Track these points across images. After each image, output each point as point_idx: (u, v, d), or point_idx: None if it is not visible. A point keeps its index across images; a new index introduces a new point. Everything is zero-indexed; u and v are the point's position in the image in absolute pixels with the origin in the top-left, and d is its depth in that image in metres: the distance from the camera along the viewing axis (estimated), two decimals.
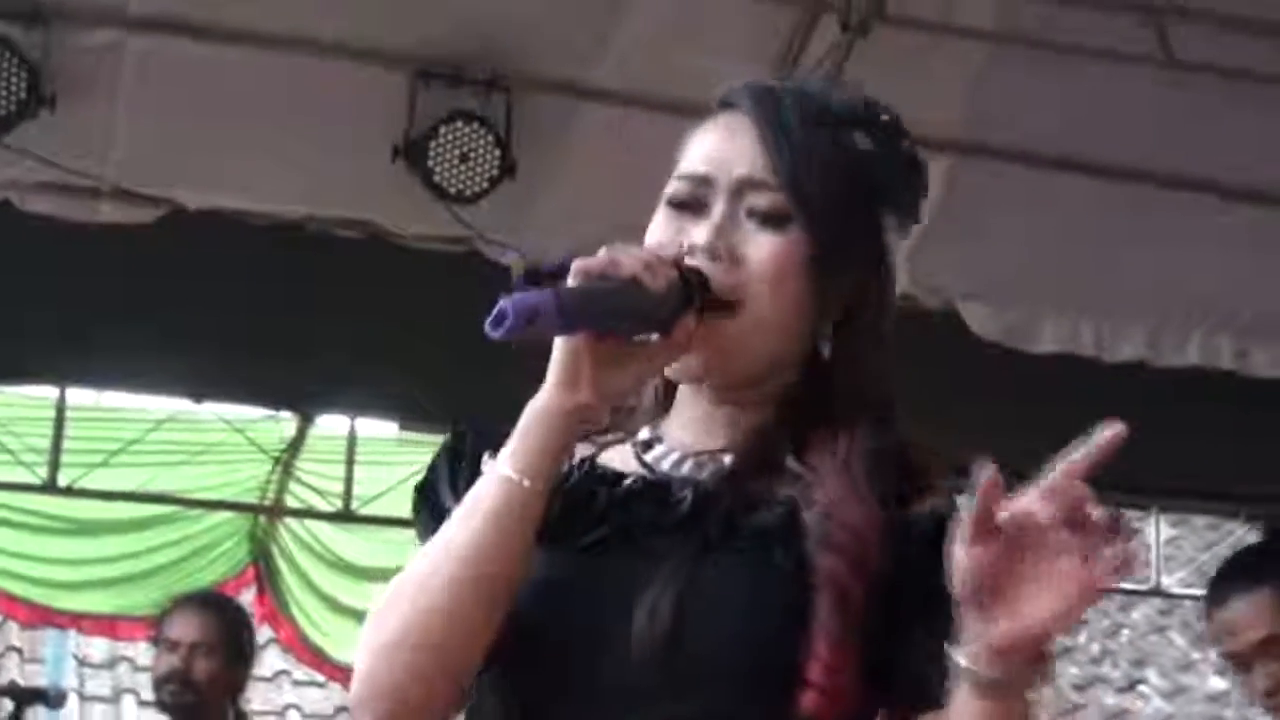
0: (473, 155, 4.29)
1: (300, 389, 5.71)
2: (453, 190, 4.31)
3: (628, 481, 1.55)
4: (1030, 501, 1.33)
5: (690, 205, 1.58)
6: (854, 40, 4.06)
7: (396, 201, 4.42)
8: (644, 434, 1.62)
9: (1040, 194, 4.55)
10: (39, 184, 4.30)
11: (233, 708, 4.64)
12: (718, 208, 1.56)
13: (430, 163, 4.29)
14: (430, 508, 1.61)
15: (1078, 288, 4.74)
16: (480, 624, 1.48)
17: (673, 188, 1.60)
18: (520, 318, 1.39)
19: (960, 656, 1.34)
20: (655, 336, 1.50)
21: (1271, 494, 6.36)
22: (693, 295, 1.50)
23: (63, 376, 5.82)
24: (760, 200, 1.56)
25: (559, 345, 1.48)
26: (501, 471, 1.48)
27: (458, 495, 1.56)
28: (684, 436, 1.60)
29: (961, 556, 1.32)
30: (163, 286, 4.74)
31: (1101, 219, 4.59)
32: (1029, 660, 1.35)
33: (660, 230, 1.59)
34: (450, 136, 4.28)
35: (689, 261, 1.53)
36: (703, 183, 1.58)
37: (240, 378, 5.46)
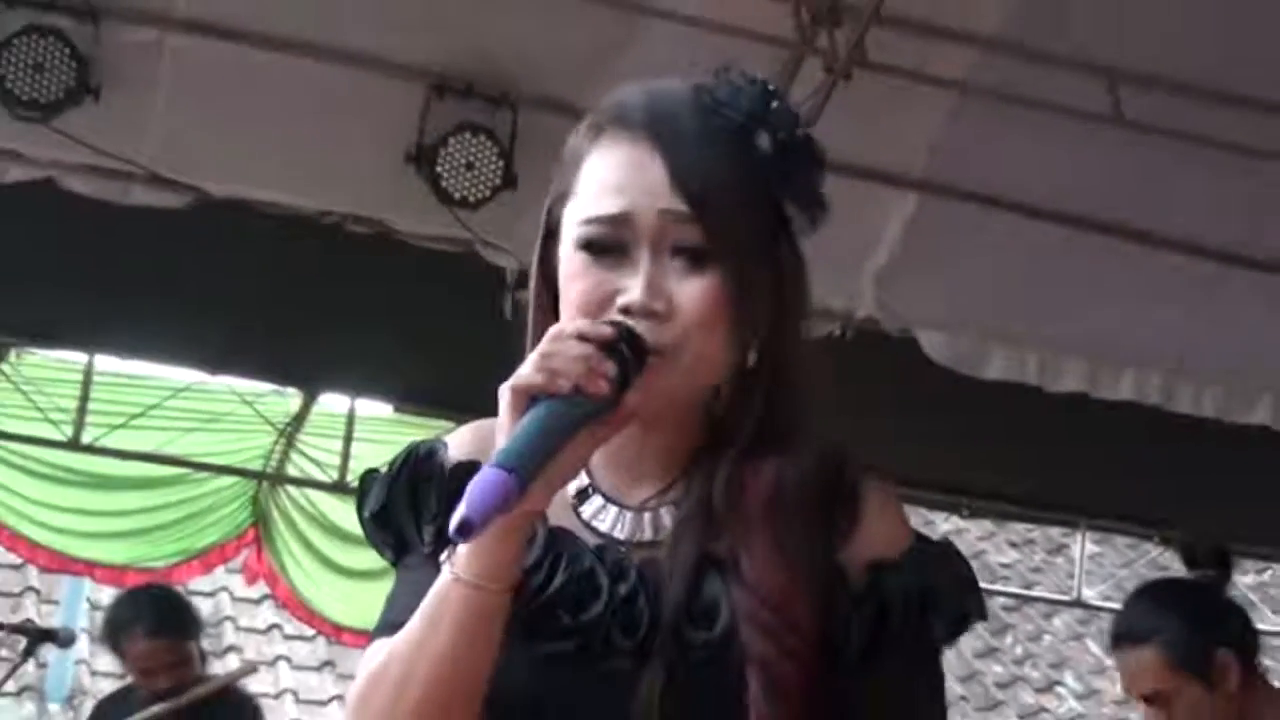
0: (478, 164, 4.27)
1: (306, 368, 5.69)
2: (457, 195, 4.29)
3: (590, 576, 1.40)
4: None
5: (609, 249, 1.40)
6: (836, 83, 4.05)
7: (405, 202, 4.39)
8: (574, 483, 1.44)
9: (997, 235, 4.53)
10: (79, 165, 4.26)
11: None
12: (644, 255, 1.40)
13: (438, 169, 4.27)
14: (395, 539, 1.50)
15: (1025, 322, 4.73)
16: (460, 715, 1.37)
17: (588, 231, 1.41)
18: (488, 517, 1.25)
19: None
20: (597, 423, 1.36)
21: (1184, 520, 6.37)
22: (630, 371, 1.35)
23: (91, 343, 5.79)
24: (684, 236, 1.39)
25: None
26: (461, 578, 1.34)
27: (422, 536, 1.47)
28: (616, 480, 1.46)
29: None
30: (186, 267, 4.72)
31: (1051, 261, 4.58)
32: None
33: (583, 280, 1.41)
34: (458, 146, 4.26)
35: (623, 321, 1.37)
36: (621, 223, 1.40)
37: (252, 354, 5.44)
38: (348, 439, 6.41)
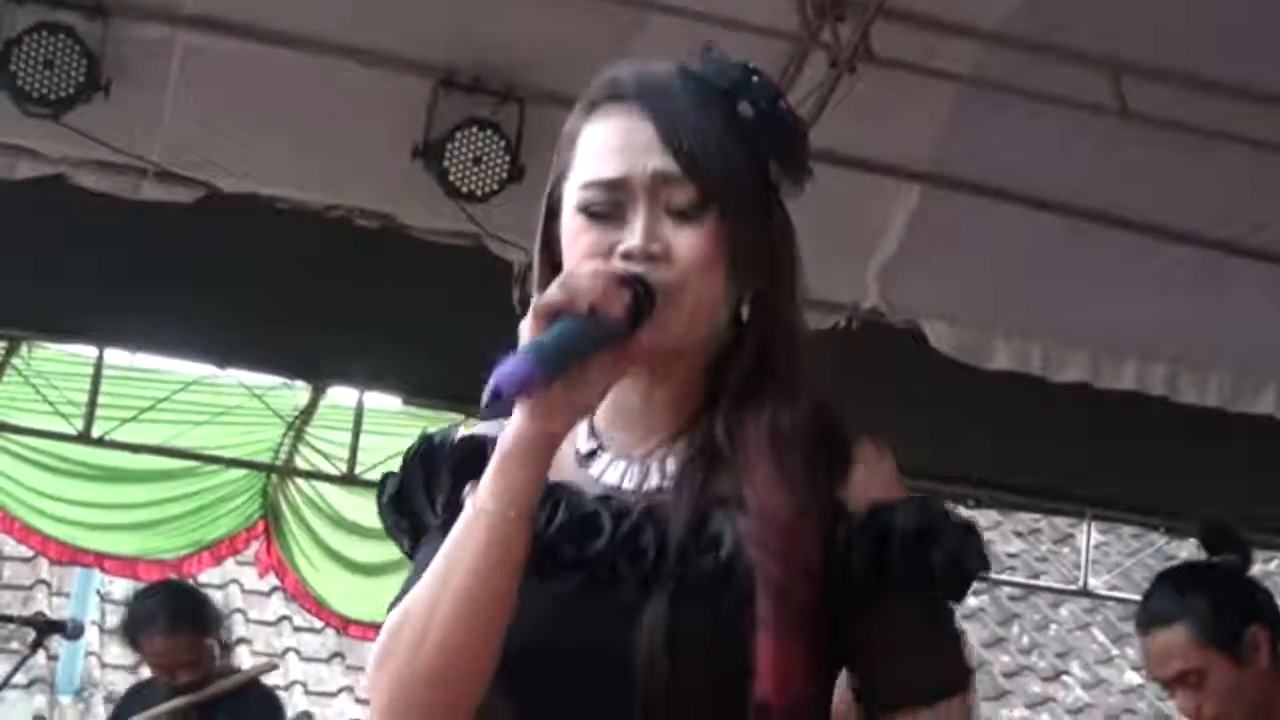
0: (485, 159, 4.29)
1: (315, 361, 5.72)
2: (465, 190, 4.30)
3: (594, 517, 1.46)
4: None
5: (608, 212, 1.50)
6: (840, 77, 4.06)
7: (413, 197, 4.41)
8: (583, 441, 1.53)
9: (1001, 226, 4.55)
10: (90, 161, 4.29)
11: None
12: (639, 210, 1.49)
13: (446, 163, 4.28)
14: (410, 523, 1.56)
15: (1029, 312, 4.74)
16: (481, 656, 1.41)
17: (587, 196, 1.51)
18: (514, 394, 1.34)
19: None
20: (612, 352, 1.44)
21: (1189, 511, 6.38)
22: (643, 307, 1.45)
23: (101, 337, 5.82)
24: (676, 196, 1.49)
25: None
26: (485, 507, 1.40)
27: (435, 510, 1.53)
28: (623, 435, 1.53)
29: None
30: (196, 261, 4.74)
31: (1055, 252, 4.59)
32: None
33: (583, 238, 1.50)
34: (465, 140, 4.27)
35: (627, 268, 1.46)
36: (617, 187, 1.50)
37: (261, 348, 5.46)
38: (356, 432, 6.43)
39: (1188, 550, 11.28)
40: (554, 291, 1.41)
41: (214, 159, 4.36)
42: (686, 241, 1.48)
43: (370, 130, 4.34)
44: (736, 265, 1.50)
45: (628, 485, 1.50)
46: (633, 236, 1.48)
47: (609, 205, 1.50)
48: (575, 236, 1.51)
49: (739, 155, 1.51)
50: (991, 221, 4.53)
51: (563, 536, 1.46)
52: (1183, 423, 5.05)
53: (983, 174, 4.48)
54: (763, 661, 1.39)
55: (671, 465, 1.50)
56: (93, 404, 6.13)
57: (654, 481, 1.50)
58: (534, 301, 1.41)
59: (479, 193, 4.30)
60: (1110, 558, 9.23)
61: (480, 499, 1.41)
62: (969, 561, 1.48)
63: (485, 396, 1.33)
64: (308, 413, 6.58)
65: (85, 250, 4.72)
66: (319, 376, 6.12)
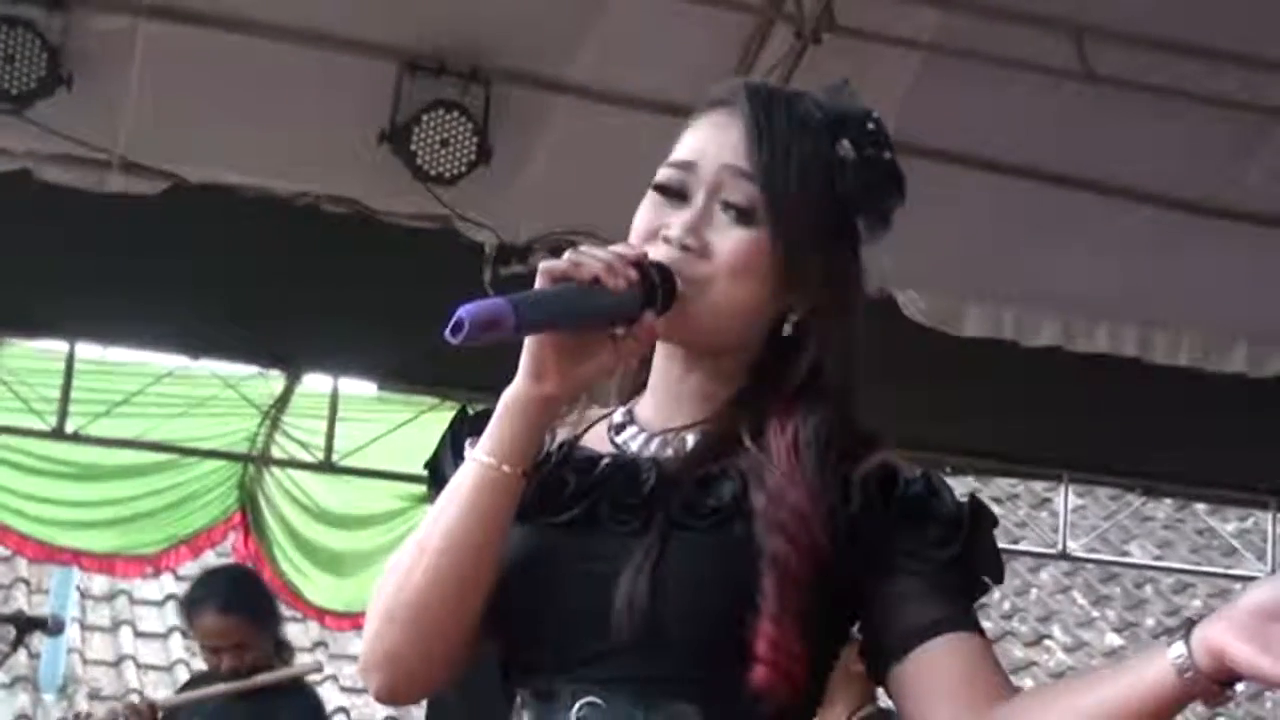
0: (452, 141, 4.28)
1: (288, 349, 5.71)
2: (433, 172, 4.30)
3: (601, 464, 1.53)
4: None
5: (674, 191, 1.54)
6: (806, 47, 4.07)
7: (381, 181, 4.41)
8: (618, 415, 1.60)
9: (969, 192, 4.56)
10: (54, 155, 4.27)
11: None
12: (698, 198, 1.53)
13: (413, 146, 4.28)
14: (437, 482, 1.62)
15: (1000, 278, 4.76)
16: (465, 597, 1.48)
17: (661, 174, 1.56)
18: (477, 326, 1.37)
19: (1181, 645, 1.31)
20: (620, 331, 1.48)
21: (1164, 470, 6.43)
22: (655, 291, 1.47)
23: (72, 332, 5.80)
24: (736, 194, 1.52)
25: (527, 340, 1.46)
26: (479, 458, 1.48)
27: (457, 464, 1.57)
28: (653, 415, 1.58)
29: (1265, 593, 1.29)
30: (165, 253, 4.73)
31: (1024, 217, 4.62)
32: (1219, 677, 1.30)
33: (645, 214, 1.55)
34: (432, 123, 4.27)
35: (658, 250, 1.50)
36: (687, 169, 1.55)
37: (233, 338, 5.46)
38: (332, 419, 6.42)
39: (1164, 510, 11.38)
40: (561, 259, 1.46)
41: (179, 149, 4.35)
42: (730, 242, 1.51)
43: (336, 116, 4.34)
44: (786, 282, 1.52)
45: (646, 453, 1.55)
46: (677, 224, 1.52)
47: (676, 185, 1.55)
48: (641, 212, 1.56)
49: (816, 180, 1.53)
50: (960, 188, 4.54)
51: (566, 469, 1.53)
52: (1155, 383, 5.07)
53: (950, 141, 4.49)
54: (761, 644, 1.42)
55: (690, 441, 1.55)
56: (65, 399, 6.10)
57: (669, 452, 1.55)
58: (541, 264, 1.46)
59: (447, 175, 4.30)
60: (1088, 520, 9.26)
61: (477, 451, 1.49)
62: (982, 516, 1.50)
63: (449, 324, 1.37)
64: (283, 401, 6.56)
65: (53, 245, 4.71)
66: (293, 365, 6.11)
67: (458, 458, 1.58)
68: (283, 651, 4.81)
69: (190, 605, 4.77)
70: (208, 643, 4.69)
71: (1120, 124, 4.40)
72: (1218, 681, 1.30)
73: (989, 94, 4.33)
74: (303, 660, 5.46)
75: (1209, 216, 4.66)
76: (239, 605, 4.68)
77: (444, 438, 1.64)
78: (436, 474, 1.62)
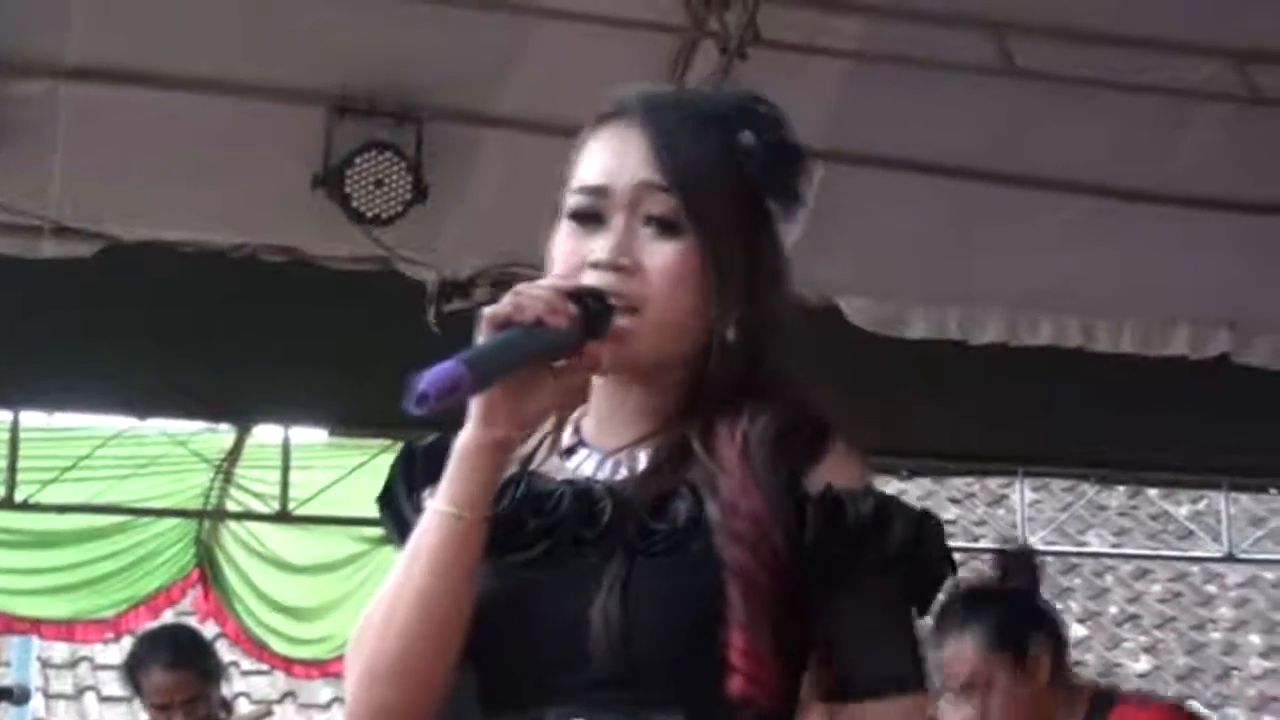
0: (387, 181, 4.26)
1: (236, 403, 5.67)
2: (369, 214, 4.27)
3: (556, 497, 1.52)
4: None
5: (590, 217, 1.54)
6: (731, 63, 4.08)
7: (318, 226, 4.38)
8: (567, 438, 1.59)
9: (906, 196, 4.58)
10: None
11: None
12: (617, 218, 1.53)
13: (348, 189, 4.25)
14: (395, 518, 1.61)
15: (942, 278, 4.78)
16: (444, 646, 1.48)
17: (572, 201, 1.56)
18: (440, 394, 1.38)
19: None
20: (561, 364, 1.49)
21: (1117, 458, 6.47)
22: (595, 320, 1.48)
23: (16, 400, 5.74)
24: (655, 207, 1.52)
25: None
26: (440, 509, 1.48)
27: (414, 506, 1.57)
28: (602, 435, 1.58)
29: None
30: (105, 315, 4.69)
31: (960, 216, 4.63)
32: None
33: (564, 244, 1.55)
34: (365, 165, 4.24)
35: (589, 277, 1.50)
36: (600, 194, 1.54)
37: (181, 395, 5.41)
38: (285, 468, 6.39)
39: (1117, 499, 11.45)
40: (501, 304, 1.46)
41: (111, 210, 4.30)
42: (659, 256, 1.52)
43: (267, 164, 4.31)
44: (718, 286, 1.52)
45: (599, 476, 1.55)
46: (603, 247, 1.52)
47: (591, 210, 1.54)
48: (560, 243, 1.56)
49: (727, 177, 1.54)
50: (896, 193, 4.56)
51: (525, 508, 1.52)
52: (1101, 372, 5.10)
53: (882, 147, 4.51)
54: (734, 655, 1.42)
55: (642, 459, 1.55)
56: (13, 468, 6.05)
57: (622, 472, 1.54)
58: (484, 312, 1.46)
59: (384, 215, 4.28)
60: (1045, 514, 9.32)
61: (436, 501, 1.49)
62: (929, 542, 1.50)
63: (412, 397, 1.37)
64: (234, 454, 6.53)
65: None
66: (242, 417, 6.07)
67: (411, 491, 1.58)
68: (229, 706, 4.79)
69: (135, 666, 4.74)
70: (157, 700, 4.65)
71: (1049, 118, 4.43)
72: None
73: (918, 97, 4.35)
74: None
75: (1142, 203, 4.69)
76: (185, 660, 4.66)
77: (393, 471, 1.64)
78: (391, 507, 1.62)
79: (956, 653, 3.27)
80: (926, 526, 1.51)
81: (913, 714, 1.49)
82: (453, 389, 1.38)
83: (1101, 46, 4.27)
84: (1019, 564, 3.51)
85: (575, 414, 1.61)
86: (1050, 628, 3.38)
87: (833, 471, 1.50)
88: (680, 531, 1.47)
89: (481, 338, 1.45)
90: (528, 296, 1.46)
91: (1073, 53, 4.27)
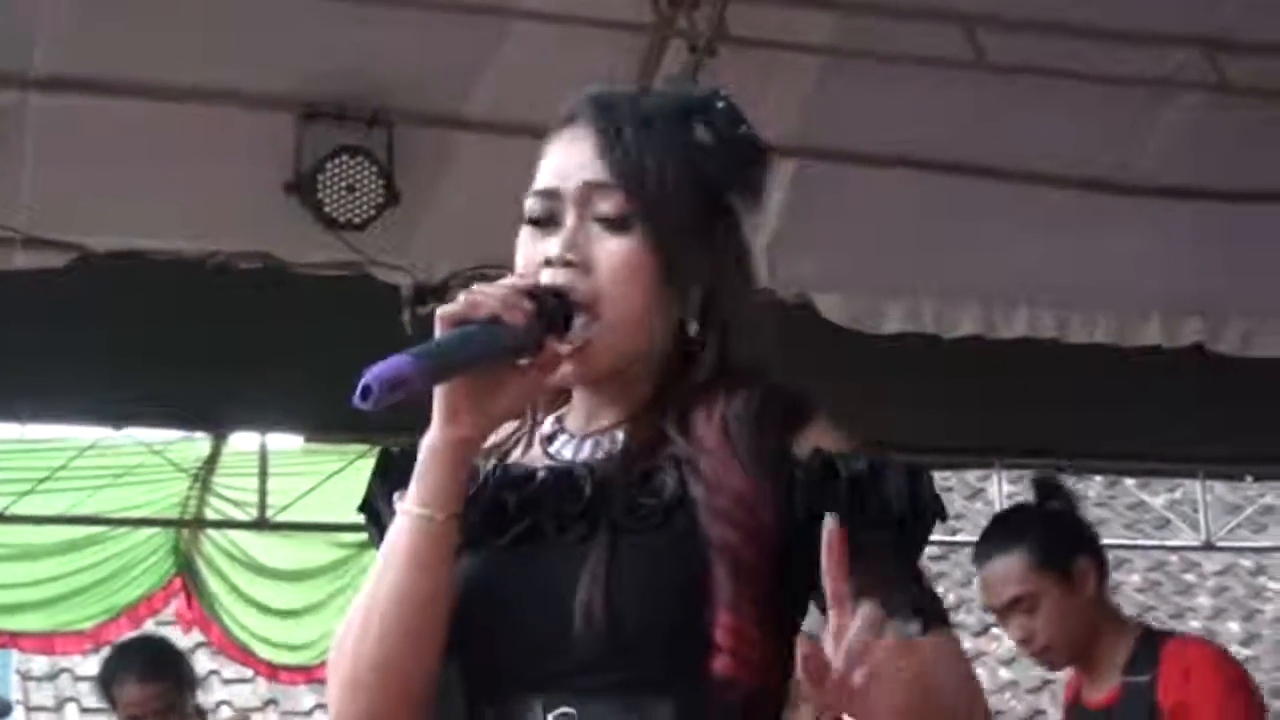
0: (359, 186, 4.25)
1: (212, 410, 5.65)
2: (342, 219, 4.27)
3: (538, 477, 1.54)
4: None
5: (545, 220, 1.56)
6: (701, 60, 4.07)
7: (291, 232, 4.36)
8: (547, 426, 1.61)
9: (879, 191, 4.58)
10: None
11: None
12: (568, 219, 1.54)
13: (320, 195, 4.24)
14: (376, 525, 1.62)
15: (916, 273, 4.79)
16: (424, 647, 1.49)
17: (528, 206, 1.58)
18: (384, 387, 1.37)
19: None
20: (525, 362, 1.49)
21: (1093, 448, 6.48)
22: (555, 316, 1.49)
23: None
24: (604, 205, 1.53)
25: (437, 387, 1.46)
26: (409, 510, 1.49)
27: (393, 511, 1.56)
28: (580, 420, 1.59)
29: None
30: (77, 324, 4.67)
31: (935, 210, 4.64)
32: None
33: (524, 248, 1.57)
34: (337, 170, 4.24)
35: (545, 276, 1.52)
36: (552, 196, 1.56)
37: (156, 404, 5.39)
38: (263, 475, 6.37)
39: (1094, 489, 11.47)
40: (457, 300, 1.46)
41: (82, 220, 4.29)
42: (609, 251, 1.52)
43: (239, 171, 4.29)
44: (672, 278, 1.53)
45: (579, 457, 1.56)
46: (554, 244, 1.53)
47: (545, 214, 1.56)
48: (520, 247, 1.57)
49: (679, 171, 1.54)
50: (868, 188, 4.57)
51: (504, 490, 1.53)
52: (1076, 363, 5.11)
53: (854, 142, 4.51)
54: (720, 634, 1.42)
55: (620, 438, 1.56)
56: None
57: (601, 453, 1.55)
58: (439, 310, 1.46)
59: (356, 220, 4.27)
60: None
61: (406, 503, 1.49)
62: (922, 492, 1.50)
63: (356, 392, 1.37)
64: (211, 462, 6.50)
65: None
66: (218, 425, 6.05)
67: (390, 497, 1.57)
68: (204, 716, 4.79)
69: (108, 679, 4.73)
70: (131, 712, 4.64)
71: (1019, 110, 4.44)
72: None
73: (889, 92, 4.35)
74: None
75: (1113, 194, 4.70)
76: (158, 672, 4.65)
77: (372, 479, 1.64)
78: (372, 515, 1.62)
79: (1004, 571, 3.35)
80: (918, 476, 1.52)
81: (947, 646, 1.48)
82: (397, 383, 1.37)
83: (1068, 37, 4.28)
84: (1050, 489, 3.55)
85: (557, 411, 1.62)
86: (1092, 545, 3.44)
87: (819, 437, 1.52)
88: (666, 507, 1.48)
89: (437, 335, 1.45)
90: (482, 294, 1.47)
91: (1043, 45, 4.28)
